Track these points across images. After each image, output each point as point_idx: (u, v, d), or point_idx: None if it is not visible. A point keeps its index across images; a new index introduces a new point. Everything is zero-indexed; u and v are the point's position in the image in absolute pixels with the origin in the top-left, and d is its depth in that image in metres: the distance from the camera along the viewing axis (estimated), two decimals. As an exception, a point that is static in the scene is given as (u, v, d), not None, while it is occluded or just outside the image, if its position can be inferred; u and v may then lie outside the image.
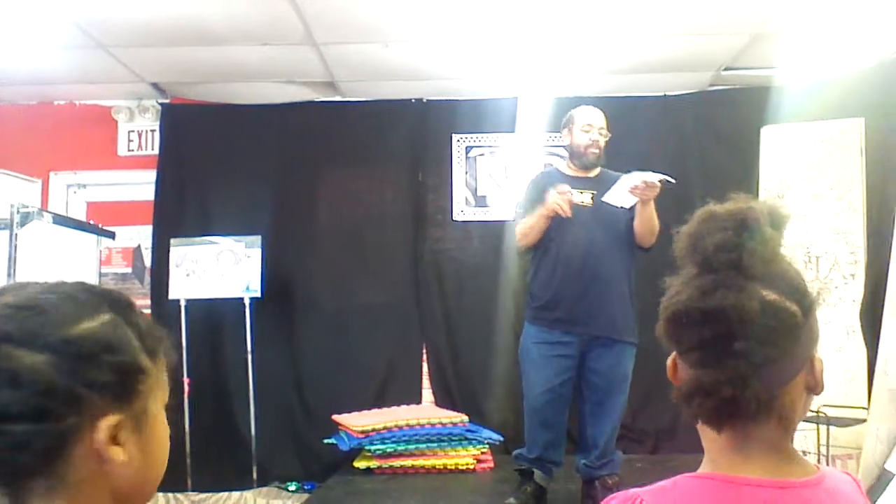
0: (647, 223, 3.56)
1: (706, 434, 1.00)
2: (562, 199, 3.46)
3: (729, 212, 0.99)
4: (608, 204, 3.56)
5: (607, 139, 3.75)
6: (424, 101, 5.39)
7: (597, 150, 3.70)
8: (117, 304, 0.85)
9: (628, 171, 3.53)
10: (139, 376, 0.84)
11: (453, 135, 5.38)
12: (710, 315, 0.94)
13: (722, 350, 0.93)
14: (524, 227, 3.66)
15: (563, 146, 3.89)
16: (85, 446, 0.79)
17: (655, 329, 1.02)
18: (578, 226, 3.57)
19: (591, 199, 3.62)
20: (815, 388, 0.99)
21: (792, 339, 0.95)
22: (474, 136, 5.38)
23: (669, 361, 1.03)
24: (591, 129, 3.70)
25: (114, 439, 0.80)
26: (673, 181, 3.48)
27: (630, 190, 3.45)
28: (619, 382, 3.62)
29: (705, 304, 0.94)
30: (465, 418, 4.71)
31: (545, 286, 3.64)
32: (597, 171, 3.74)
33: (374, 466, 4.51)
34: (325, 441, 4.78)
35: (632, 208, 3.57)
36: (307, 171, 5.36)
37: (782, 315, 0.95)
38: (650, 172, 3.45)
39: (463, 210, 5.37)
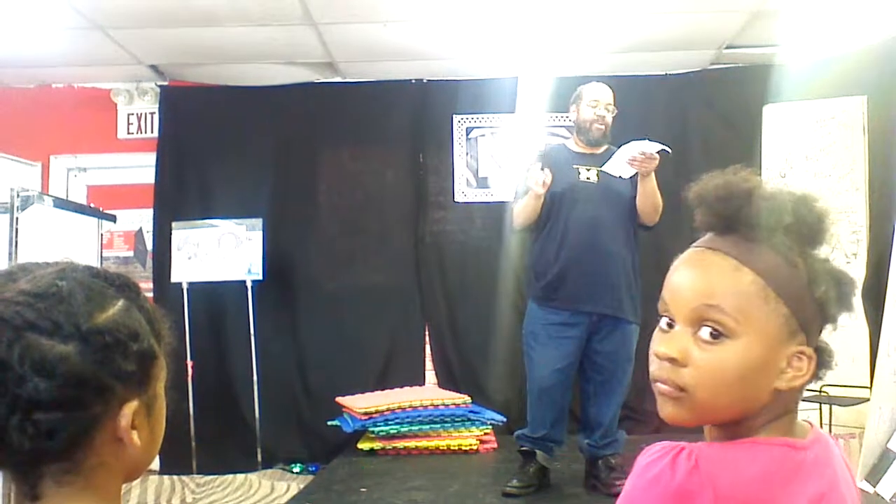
0: (649, 198, 3.56)
1: (773, 405, 0.95)
2: (537, 178, 3.52)
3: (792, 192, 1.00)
4: (608, 174, 3.55)
5: (615, 115, 3.72)
6: (425, 81, 5.36)
7: (602, 126, 3.68)
8: (125, 288, 0.86)
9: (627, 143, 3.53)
10: (154, 361, 0.86)
11: (454, 115, 5.35)
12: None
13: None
14: (519, 208, 3.66)
15: (572, 121, 3.85)
16: (107, 432, 0.81)
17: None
18: (584, 202, 3.56)
19: (597, 176, 3.61)
20: None
21: None
22: (475, 116, 5.35)
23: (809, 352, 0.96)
24: (597, 104, 3.68)
25: (132, 424, 0.82)
26: (669, 150, 3.48)
27: (629, 161, 3.45)
28: (624, 363, 3.62)
29: None
30: (468, 399, 4.73)
31: (550, 263, 3.62)
32: (603, 148, 3.71)
33: (378, 448, 4.54)
34: (329, 423, 4.80)
35: (635, 184, 3.57)
36: (307, 152, 5.34)
37: None
38: (647, 142, 3.44)
39: (464, 191, 5.36)
